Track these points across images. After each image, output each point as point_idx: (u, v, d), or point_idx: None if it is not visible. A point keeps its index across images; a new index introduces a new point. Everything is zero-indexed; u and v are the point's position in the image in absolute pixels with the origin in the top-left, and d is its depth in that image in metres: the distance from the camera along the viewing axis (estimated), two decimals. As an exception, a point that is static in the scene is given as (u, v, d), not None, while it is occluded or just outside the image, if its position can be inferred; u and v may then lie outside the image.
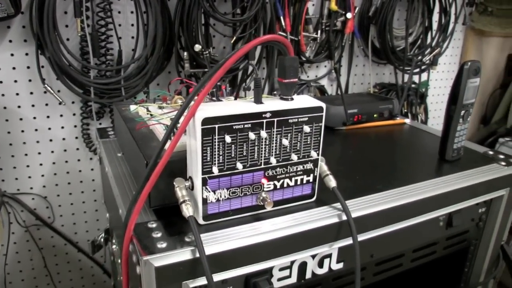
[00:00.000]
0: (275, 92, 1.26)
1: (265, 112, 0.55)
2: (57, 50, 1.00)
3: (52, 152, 1.16)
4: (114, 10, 1.09)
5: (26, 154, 1.14)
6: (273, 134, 0.56)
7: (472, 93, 0.81)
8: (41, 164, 1.16)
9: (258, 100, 0.56)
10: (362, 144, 0.98)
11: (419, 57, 1.45)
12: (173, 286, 0.52)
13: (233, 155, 0.55)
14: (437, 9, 1.48)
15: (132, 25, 1.13)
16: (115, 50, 1.13)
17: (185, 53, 1.09)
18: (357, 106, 1.03)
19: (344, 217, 0.62)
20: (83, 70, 1.09)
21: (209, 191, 0.55)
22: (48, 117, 1.13)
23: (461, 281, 0.89)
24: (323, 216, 0.62)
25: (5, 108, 1.08)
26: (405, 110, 1.53)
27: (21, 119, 1.10)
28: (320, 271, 0.65)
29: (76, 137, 1.18)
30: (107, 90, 1.09)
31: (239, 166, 0.55)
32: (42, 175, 1.18)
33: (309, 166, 0.61)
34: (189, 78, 1.15)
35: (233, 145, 0.54)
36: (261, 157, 0.57)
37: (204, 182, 0.54)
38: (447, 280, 0.90)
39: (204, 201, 0.55)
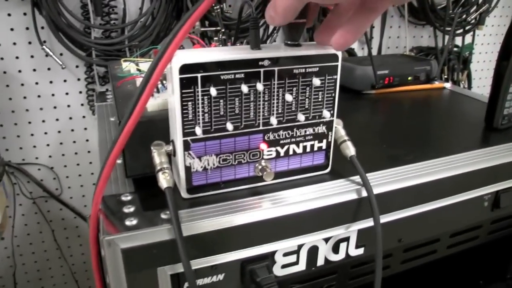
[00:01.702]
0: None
1: (262, 59, 0.43)
2: (53, 8, 0.91)
3: (57, 120, 1.09)
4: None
5: (29, 122, 1.07)
6: (274, 88, 0.45)
7: (530, 46, 0.66)
8: (46, 133, 1.09)
9: (254, 45, 0.44)
10: (393, 109, 0.84)
11: (463, 16, 1.28)
12: (146, 272, 0.43)
13: (222, 113, 0.44)
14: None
15: (138, -20, 1.02)
16: (119, 9, 1.03)
17: (195, 10, 0.98)
18: (388, 67, 0.89)
19: (365, 193, 0.50)
20: (85, 30, 1.00)
21: (193, 158, 0.45)
22: (51, 82, 1.06)
23: (508, 272, 0.76)
24: (338, 191, 0.50)
25: (5, 72, 1.01)
26: (445, 77, 1.37)
27: (22, 84, 1.03)
28: (335, 257, 0.54)
29: (82, 104, 1.10)
30: (111, 51, 1.00)
31: (230, 127, 0.44)
32: (48, 145, 1.11)
33: (322, 129, 0.50)
34: (201, 37, 1.04)
35: (221, 100, 0.43)
36: (259, 116, 0.45)
37: (187, 146, 0.44)
38: (491, 270, 0.77)
39: (188, 169, 0.45)
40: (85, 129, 1.12)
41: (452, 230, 0.64)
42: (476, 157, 0.61)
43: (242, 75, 0.43)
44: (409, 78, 0.92)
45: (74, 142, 1.13)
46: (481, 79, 1.58)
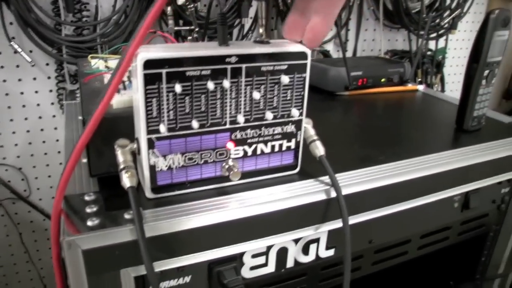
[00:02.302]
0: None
1: (230, 56, 0.42)
2: (22, 3, 0.88)
3: (26, 119, 1.06)
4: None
5: (-4, 121, 1.04)
6: (241, 85, 0.44)
7: (499, 49, 0.67)
8: (14, 132, 1.06)
9: (222, 42, 0.43)
10: (366, 111, 0.85)
11: (437, 20, 1.30)
12: (108, 274, 0.41)
13: (187, 111, 0.43)
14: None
15: (111, -23, 1.00)
16: (92, 6, 1.00)
17: (169, 8, 0.97)
18: (362, 69, 0.89)
19: (334, 194, 0.50)
20: (56, 27, 0.98)
21: (158, 156, 0.43)
22: (20, 80, 1.02)
23: (477, 272, 0.76)
24: (307, 192, 0.49)
25: (-30, 69, 0.97)
26: (419, 79, 1.38)
27: (-11, 82, 1.00)
28: (305, 259, 0.53)
29: (52, 103, 1.07)
30: (82, 49, 0.97)
31: (195, 124, 0.43)
32: (16, 145, 1.07)
33: (290, 128, 0.49)
34: (175, 37, 1.02)
35: (186, 97, 0.42)
36: (226, 114, 0.45)
37: (151, 144, 0.43)
38: (460, 270, 0.78)
39: (152, 168, 0.44)
40: (55, 128, 1.09)
41: (423, 231, 0.64)
42: (446, 158, 0.61)
43: (209, 72, 0.42)
44: (383, 80, 0.92)
45: (44, 142, 1.10)
46: (454, 83, 1.61)
